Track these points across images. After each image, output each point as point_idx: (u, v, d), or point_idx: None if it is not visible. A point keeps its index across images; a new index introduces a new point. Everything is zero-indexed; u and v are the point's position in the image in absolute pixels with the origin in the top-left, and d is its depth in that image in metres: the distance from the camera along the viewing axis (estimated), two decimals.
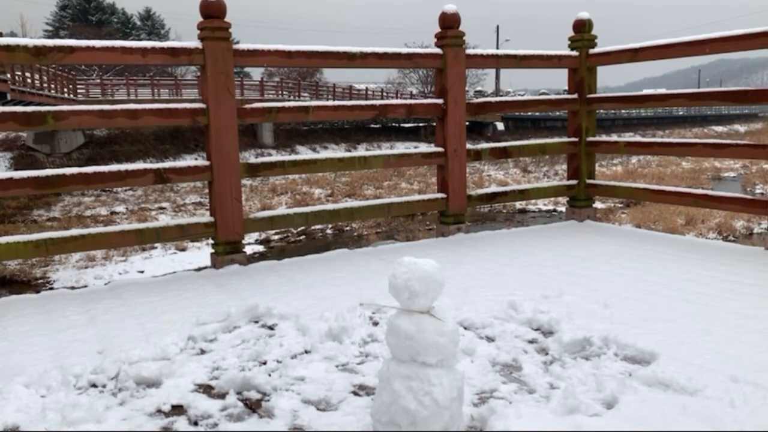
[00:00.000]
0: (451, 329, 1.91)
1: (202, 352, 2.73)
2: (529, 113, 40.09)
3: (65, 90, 31.07)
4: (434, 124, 5.48)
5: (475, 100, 5.60)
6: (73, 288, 4.61)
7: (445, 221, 5.28)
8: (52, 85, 28.57)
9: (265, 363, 2.57)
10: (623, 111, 52.10)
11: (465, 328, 2.90)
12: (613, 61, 5.59)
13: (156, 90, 35.99)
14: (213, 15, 4.18)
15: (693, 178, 21.48)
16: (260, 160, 4.73)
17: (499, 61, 5.72)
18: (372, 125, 36.08)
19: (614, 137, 20.55)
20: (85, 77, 37.97)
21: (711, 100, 5.30)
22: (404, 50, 5.13)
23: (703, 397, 2.14)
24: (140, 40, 38.57)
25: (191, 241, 12.12)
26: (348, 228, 15.01)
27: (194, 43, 4.22)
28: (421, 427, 1.84)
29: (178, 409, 2.23)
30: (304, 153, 29.81)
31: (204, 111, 4.26)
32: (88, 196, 20.83)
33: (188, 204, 19.83)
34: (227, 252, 4.37)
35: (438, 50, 5.15)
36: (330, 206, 5.06)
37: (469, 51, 5.25)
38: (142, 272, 10.96)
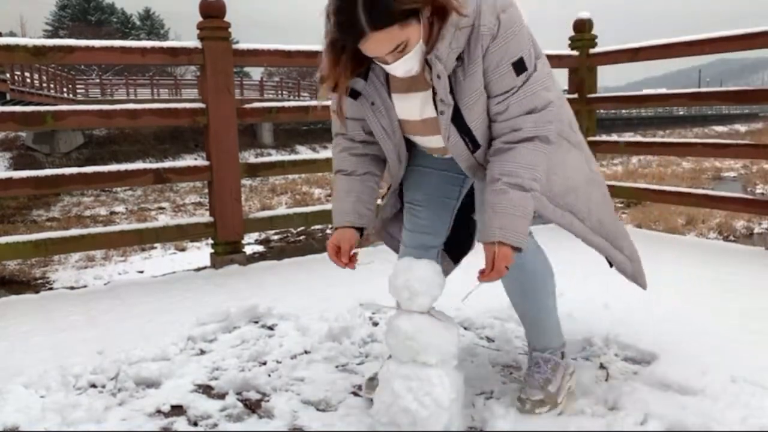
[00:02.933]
0: (451, 329, 1.91)
1: (202, 352, 2.73)
2: None
3: (65, 90, 31.07)
4: None
5: None
6: (72, 288, 4.61)
7: None
8: (52, 85, 28.60)
9: (264, 363, 2.57)
10: (624, 111, 52.06)
11: (465, 328, 2.90)
12: (613, 61, 5.58)
13: (155, 90, 35.94)
14: (213, 15, 4.17)
15: (693, 178, 21.45)
16: (260, 160, 4.73)
17: None
18: None
19: (615, 137, 20.57)
20: (85, 77, 37.97)
21: (712, 100, 5.30)
22: None
23: (704, 397, 2.14)
24: (140, 39, 38.73)
25: (191, 241, 12.10)
26: None
27: (194, 43, 4.22)
28: (422, 428, 1.84)
29: (177, 410, 2.23)
30: (304, 153, 29.79)
31: (204, 111, 4.26)
32: (87, 196, 20.82)
33: (188, 204, 19.81)
34: (227, 252, 4.36)
35: None
36: (330, 206, 5.06)
37: None
38: (141, 272, 10.94)
